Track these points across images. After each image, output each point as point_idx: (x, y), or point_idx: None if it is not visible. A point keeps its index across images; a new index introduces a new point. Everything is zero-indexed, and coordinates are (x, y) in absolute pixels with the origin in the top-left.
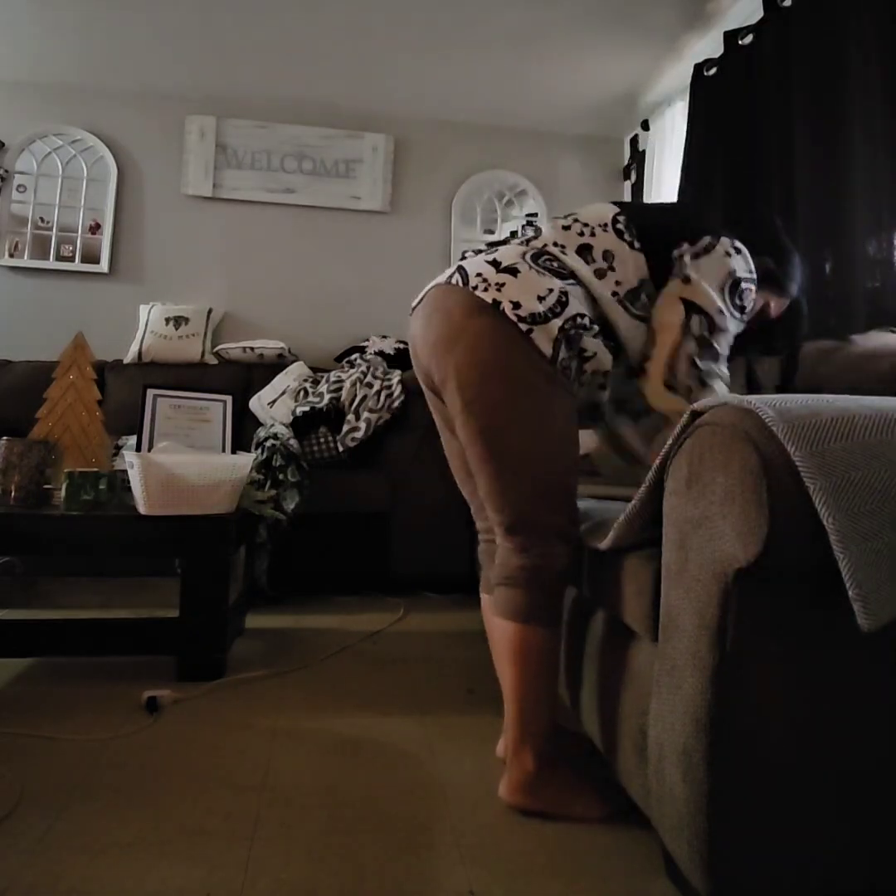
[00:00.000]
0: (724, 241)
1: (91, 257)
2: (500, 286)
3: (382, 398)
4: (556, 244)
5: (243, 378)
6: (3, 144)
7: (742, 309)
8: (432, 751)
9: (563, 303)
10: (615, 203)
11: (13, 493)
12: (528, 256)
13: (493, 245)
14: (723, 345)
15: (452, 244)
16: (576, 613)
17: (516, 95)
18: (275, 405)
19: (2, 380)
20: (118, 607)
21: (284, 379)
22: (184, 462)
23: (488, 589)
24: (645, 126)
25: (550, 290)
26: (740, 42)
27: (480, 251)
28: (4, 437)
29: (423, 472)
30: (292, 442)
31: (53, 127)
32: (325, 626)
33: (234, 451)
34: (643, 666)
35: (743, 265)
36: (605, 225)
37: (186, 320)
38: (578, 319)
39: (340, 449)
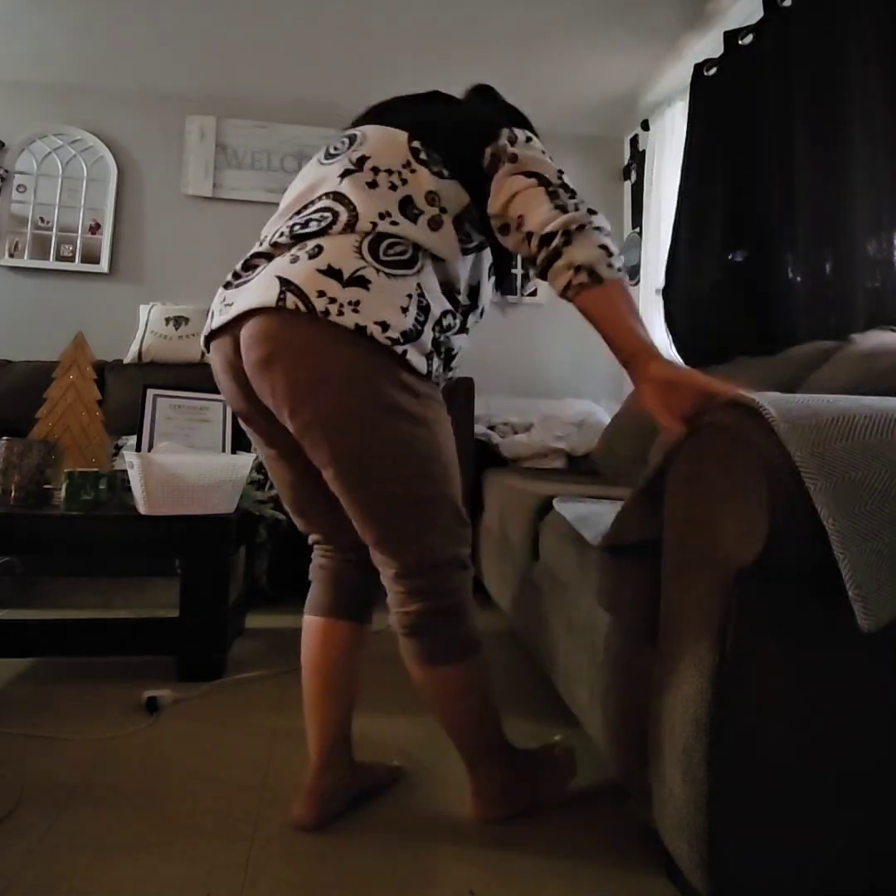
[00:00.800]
0: (527, 134)
1: (91, 257)
2: (355, 305)
3: None
4: (383, 215)
5: None
6: (3, 144)
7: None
8: (432, 751)
9: (423, 307)
10: (395, 116)
11: (13, 493)
12: (366, 253)
13: (302, 236)
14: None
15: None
16: (576, 613)
17: (516, 95)
18: None
19: (2, 380)
20: (118, 607)
21: None
22: (184, 462)
23: (319, 610)
24: (645, 126)
25: (409, 296)
26: (740, 42)
27: (287, 244)
28: (4, 437)
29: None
30: None
31: (53, 127)
32: None
33: (234, 451)
34: (643, 666)
35: (538, 143)
36: (408, 163)
37: (186, 320)
38: (443, 320)
39: None
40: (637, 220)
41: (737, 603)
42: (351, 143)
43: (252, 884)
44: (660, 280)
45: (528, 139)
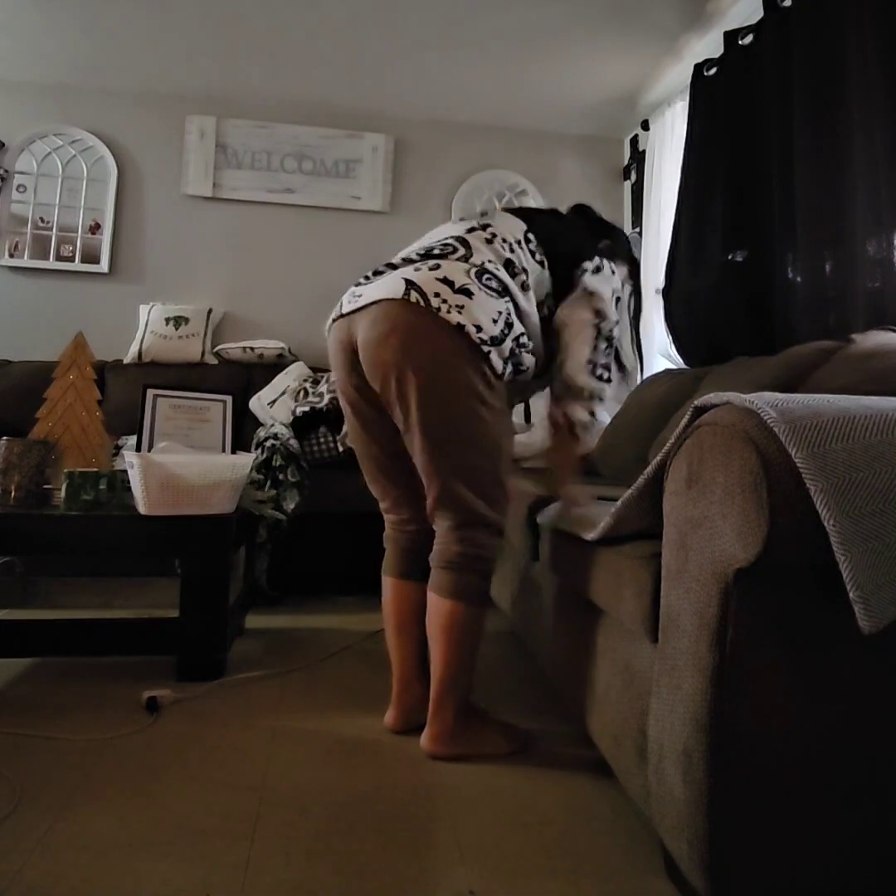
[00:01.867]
0: (607, 262)
1: (91, 257)
2: (460, 308)
3: None
4: (490, 261)
5: (243, 378)
6: (3, 144)
7: (617, 321)
8: None
9: (509, 324)
10: (519, 214)
11: (13, 493)
12: (473, 275)
13: (427, 256)
14: (611, 359)
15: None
16: (576, 613)
17: (516, 95)
18: (275, 405)
19: (2, 380)
20: (118, 607)
21: (284, 379)
22: (184, 462)
23: (392, 572)
24: (645, 126)
25: (500, 312)
26: (740, 42)
27: (415, 260)
28: (4, 437)
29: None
30: (292, 442)
31: (53, 127)
32: (325, 626)
33: (234, 451)
34: (643, 666)
35: (618, 282)
36: (519, 241)
37: (186, 320)
38: (521, 339)
39: (340, 449)
40: (637, 220)
41: (737, 603)
42: (482, 217)
43: (252, 884)
44: (660, 280)
45: (613, 272)
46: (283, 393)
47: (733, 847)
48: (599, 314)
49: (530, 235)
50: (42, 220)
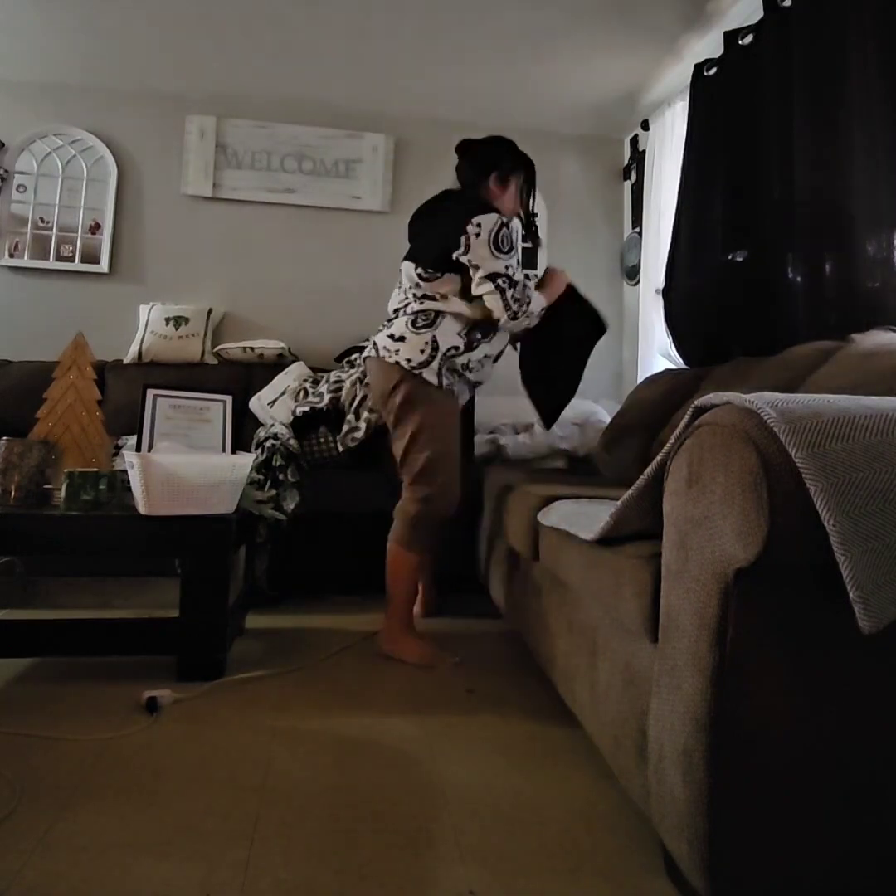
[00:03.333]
0: (471, 226)
1: (91, 257)
2: (397, 351)
3: None
4: (417, 302)
5: (243, 378)
6: (3, 144)
7: (510, 248)
8: (432, 751)
9: (435, 347)
10: (408, 254)
11: (13, 493)
12: (408, 324)
13: (389, 320)
14: (518, 271)
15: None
16: (575, 613)
17: (516, 95)
18: (275, 405)
19: (2, 380)
20: (118, 607)
21: (284, 379)
22: (184, 462)
23: None
24: (645, 126)
25: (426, 343)
26: (740, 42)
27: (383, 327)
28: (4, 437)
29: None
30: (292, 442)
31: (53, 127)
32: (325, 626)
33: (234, 451)
34: (643, 666)
35: (487, 228)
36: (415, 281)
37: (186, 320)
38: (448, 352)
39: (340, 449)
40: (637, 220)
41: (737, 603)
42: (400, 274)
43: (252, 884)
44: (660, 280)
45: (477, 234)
46: (283, 393)
47: (733, 847)
48: (491, 279)
49: (418, 270)
50: (42, 220)
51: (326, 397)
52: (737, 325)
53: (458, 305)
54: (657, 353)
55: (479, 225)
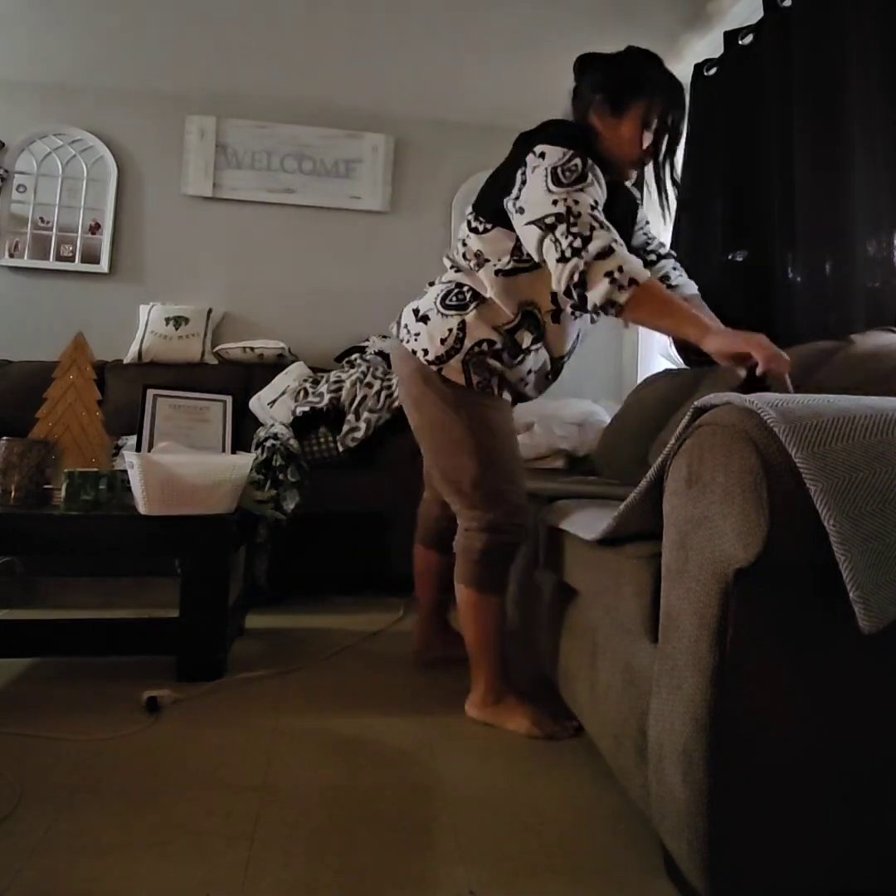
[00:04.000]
0: (528, 160)
1: (91, 257)
2: (416, 336)
3: (382, 398)
4: (459, 271)
5: (243, 378)
6: (3, 144)
7: (575, 180)
8: (432, 751)
9: (459, 339)
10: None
11: (13, 493)
12: (438, 300)
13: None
14: (583, 216)
15: (453, 244)
16: (576, 614)
17: (516, 95)
18: (275, 405)
19: (2, 380)
20: (118, 607)
21: (284, 379)
22: (184, 462)
23: (423, 541)
24: None
25: (448, 331)
26: (740, 42)
27: (432, 284)
28: (4, 437)
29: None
30: (292, 442)
31: (53, 127)
32: (325, 626)
33: (234, 451)
34: (643, 666)
35: (552, 158)
36: (468, 228)
37: (186, 320)
38: (476, 348)
39: (340, 449)
40: None
41: (737, 603)
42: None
43: (252, 884)
44: None
45: (536, 167)
46: (283, 393)
47: (733, 847)
48: (539, 223)
49: (468, 215)
50: (42, 220)
51: (326, 397)
52: (737, 325)
53: (492, 279)
54: (657, 353)
55: (541, 155)
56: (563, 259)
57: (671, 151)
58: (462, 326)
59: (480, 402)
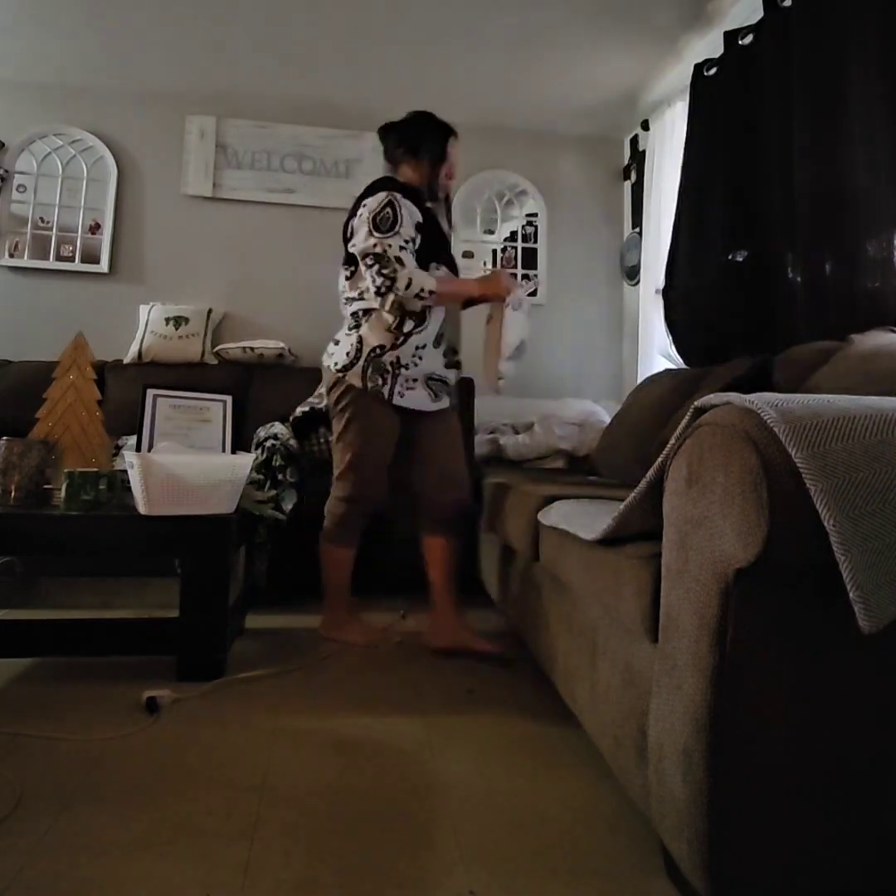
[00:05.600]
0: (360, 213)
1: (91, 257)
2: (332, 355)
3: None
4: (349, 303)
5: (243, 378)
6: (3, 144)
7: (391, 224)
8: (432, 751)
9: (358, 349)
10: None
11: (13, 493)
12: (347, 327)
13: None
14: (392, 252)
15: (452, 244)
16: (575, 613)
17: (516, 95)
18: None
19: (2, 380)
20: (118, 607)
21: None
22: (184, 462)
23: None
24: (645, 126)
25: (351, 345)
26: (740, 42)
27: None
28: (4, 437)
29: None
30: (292, 442)
31: (53, 127)
32: None
33: (234, 451)
34: (643, 666)
35: (371, 208)
36: (345, 278)
37: (186, 320)
38: (370, 354)
39: None
40: (637, 220)
41: (737, 603)
42: None
43: (252, 884)
44: (660, 280)
45: (363, 215)
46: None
47: (733, 847)
48: (364, 257)
49: (344, 269)
50: (42, 220)
51: (326, 398)
52: (737, 325)
53: (372, 297)
54: (657, 353)
55: (364, 206)
56: (378, 292)
57: (441, 173)
58: (359, 340)
59: (368, 403)
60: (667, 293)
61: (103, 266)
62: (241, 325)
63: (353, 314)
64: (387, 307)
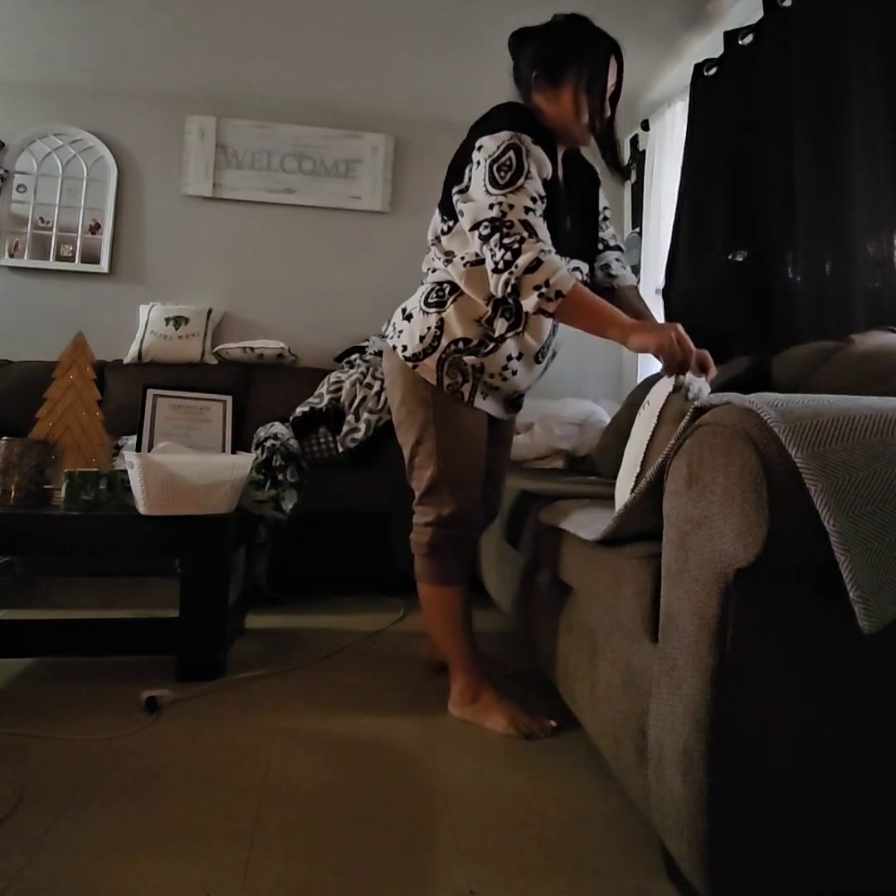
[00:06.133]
0: (473, 155)
1: (91, 257)
2: (400, 333)
3: (382, 399)
4: (433, 271)
5: (243, 378)
6: (3, 144)
7: (513, 175)
8: (432, 751)
9: (436, 336)
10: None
11: (13, 493)
12: (421, 299)
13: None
14: (516, 225)
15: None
16: (576, 614)
17: (516, 95)
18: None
19: (2, 380)
20: (118, 607)
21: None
22: (184, 462)
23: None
24: (645, 126)
25: (428, 328)
26: (740, 42)
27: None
28: (4, 437)
29: None
30: (292, 442)
31: (53, 127)
32: (325, 626)
33: (234, 451)
34: (643, 666)
35: (487, 152)
36: (438, 231)
37: (186, 320)
38: (451, 347)
39: (340, 450)
40: (637, 220)
41: (737, 603)
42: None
43: (252, 884)
44: (660, 280)
45: (478, 162)
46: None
47: (733, 847)
48: (476, 226)
49: (437, 220)
50: (42, 220)
51: (326, 398)
52: (737, 325)
53: (462, 271)
54: None
55: (479, 148)
56: (496, 270)
57: (613, 107)
58: (440, 324)
59: (449, 404)
60: (667, 293)
61: (103, 266)
62: (241, 325)
63: (438, 286)
64: (501, 290)
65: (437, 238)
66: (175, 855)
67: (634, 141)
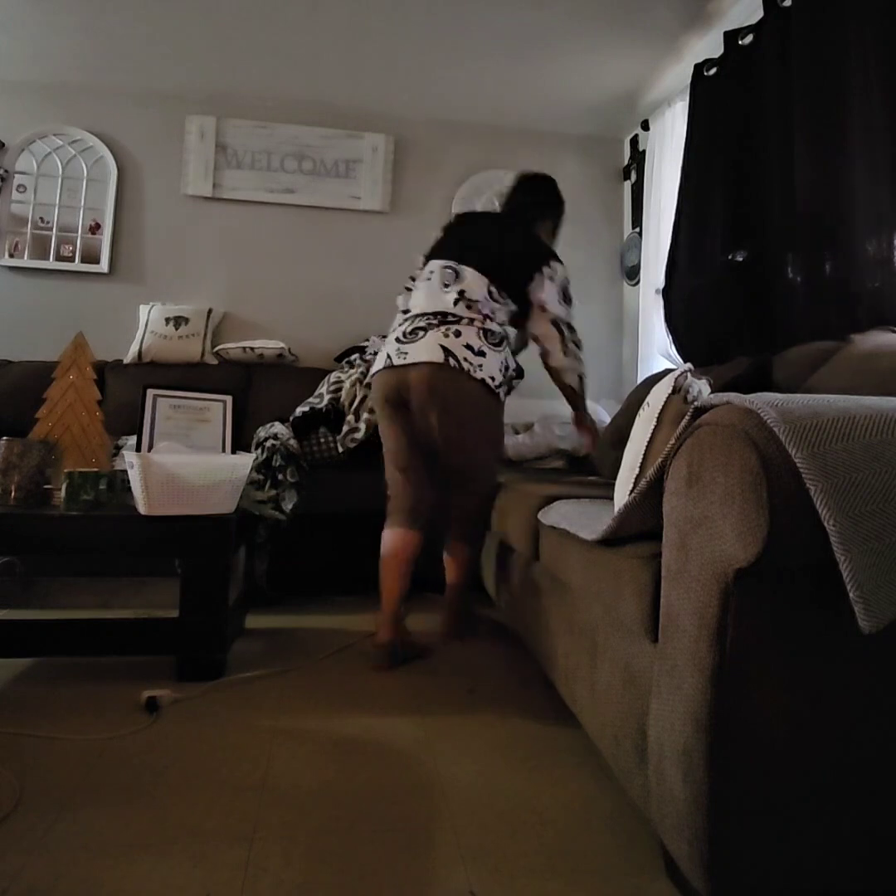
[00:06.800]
0: (548, 269)
1: (91, 257)
2: (480, 367)
3: None
4: (486, 319)
5: (243, 378)
6: (3, 144)
7: (571, 301)
8: (432, 751)
9: (506, 367)
10: (478, 264)
11: (13, 493)
12: (483, 337)
13: (444, 322)
14: (577, 331)
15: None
16: (575, 613)
17: (516, 95)
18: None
19: (2, 380)
20: (118, 607)
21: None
22: (184, 462)
23: (409, 524)
24: (645, 126)
25: (502, 362)
26: (740, 42)
27: (436, 325)
28: (4, 437)
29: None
30: (292, 442)
31: (53, 127)
32: (325, 626)
33: (234, 451)
34: (643, 666)
35: (560, 277)
36: (488, 294)
37: (186, 320)
38: (510, 373)
39: (340, 450)
40: (637, 220)
41: (737, 603)
42: (456, 277)
43: (252, 884)
44: (660, 280)
45: (552, 278)
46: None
47: (733, 847)
48: (557, 323)
49: (491, 289)
50: (42, 220)
51: (326, 398)
52: (737, 325)
53: (503, 323)
54: (657, 353)
55: (554, 270)
56: (566, 354)
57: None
58: (505, 360)
59: (502, 406)
60: (667, 293)
61: (103, 266)
62: (241, 325)
63: (491, 332)
64: (564, 362)
65: (488, 299)
66: (175, 855)
67: (634, 141)
